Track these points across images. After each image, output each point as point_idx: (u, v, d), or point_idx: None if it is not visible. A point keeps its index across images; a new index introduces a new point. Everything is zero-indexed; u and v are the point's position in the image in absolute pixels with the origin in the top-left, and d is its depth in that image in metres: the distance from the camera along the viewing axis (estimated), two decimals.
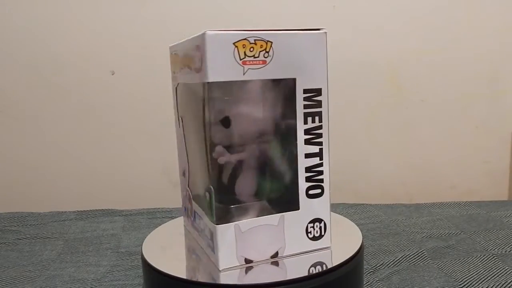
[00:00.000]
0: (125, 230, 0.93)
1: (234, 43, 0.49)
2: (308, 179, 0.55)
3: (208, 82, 0.49)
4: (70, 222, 0.98)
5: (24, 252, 0.83)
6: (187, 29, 1.11)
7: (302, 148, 0.54)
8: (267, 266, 0.54)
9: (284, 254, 0.55)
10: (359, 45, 1.18)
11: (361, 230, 0.64)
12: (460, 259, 0.75)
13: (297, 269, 0.53)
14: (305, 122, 0.54)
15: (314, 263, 0.54)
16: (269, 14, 1.15)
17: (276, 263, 0.54)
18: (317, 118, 0.54)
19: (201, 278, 0.52)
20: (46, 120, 1.16)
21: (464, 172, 1.25)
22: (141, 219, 0.99)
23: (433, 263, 0.73)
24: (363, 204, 1.06)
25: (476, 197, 1.23)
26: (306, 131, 0.54)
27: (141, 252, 0.60)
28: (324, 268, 0.52)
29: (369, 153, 1.23)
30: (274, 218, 0.54)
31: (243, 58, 0.50)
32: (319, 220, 0.56)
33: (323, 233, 0.57)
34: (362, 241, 0.60)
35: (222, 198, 0.53)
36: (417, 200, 1.21)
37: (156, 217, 1.00)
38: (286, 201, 0.55)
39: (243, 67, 0.50)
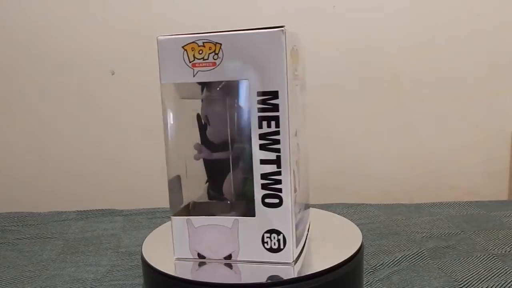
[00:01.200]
0: (125, 230, 0.93)
1: (183, 47, 0.51)
2: (263, 187, 0.52)
3: (161, 84, 0.53)
4: (70, 222, 0.98)
5: (24, 252, 0.83)
6: (187, 29, 1.11)
7: (257, 154, 0.51)
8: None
9: (239, 259, 0.54)
10: (359, 45, 1.18)
11: (361, 230, 0.64)
12: (460, 259, 0.75)
13: (249, 276, 0.53)
14: (260, 127, 0.51)
15: (269, 275, 0.51)
16: (269, 14, 1.15)
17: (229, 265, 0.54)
18: (273, 123, 0.50)
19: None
20: (46, 120, 1.16)
21: (464, 172, 1.25)
22: (141, 219, 0.99)
23: (433, 263, 0.73)
24: (363, 204, 1.06)
25: (476, 197, 1.23)
26: (261, 136, 0.51)
27: (141, 252, 0.60)
28: (277, 279, 0.51)
29: (369, 153, 1.23)
30: (228, 220, 0.54)
31: (192, 61, 0.51)
32: (277, 232, 0.53)
33: (281, 246, 0.52)
34: (362, 241, 0.60)
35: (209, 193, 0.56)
36: (417, 200, 1.21)
37: (156, 217, 1.00)
38: (246, 205, 0.54)
39: (193, 69, 0.51)
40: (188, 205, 0.60)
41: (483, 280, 0.67)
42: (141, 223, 0.96)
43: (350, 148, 1.22)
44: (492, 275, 0.69)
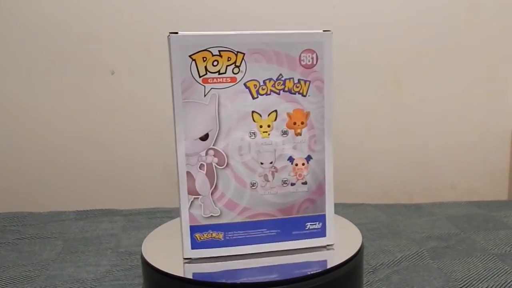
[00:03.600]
0: (125, 230, 0.93)
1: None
2: None
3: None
4: (70, 222, 0.98)
5: (24, 252, 0.83)
6: (188, 28, 1.11)
7: None
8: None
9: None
10: (359, 45, 1.18)
11: (361, 230, 0.64)
12: (460, 259, 0.75)
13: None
14: None
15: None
16: (269, 14, 1.15)
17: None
18: None
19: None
20: (46, 120, 1.16)
21: (464, 172, 1.25)
22: (141, 219, 0.99)
23: (433, 263, 0.73)
24: (363, 204, 1.06)
25: (476, 197, 1.23)
26: None
27: (141, 252, 0.60)
28: None
29: (369, 153, 1.23)
30: None
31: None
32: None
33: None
34: (362, 241, 0.60)
35: None
36: (417, 200, 1.21)
37: (156, 217, 1.00)
38: None
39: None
40: None
41: (483, 280, 0.67)
42: (141, 223, 0.96)
43: (350, 148, 1.22)
44: (492, 275, 0.68)
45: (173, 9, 1.13)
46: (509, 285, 0.65)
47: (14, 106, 1.15)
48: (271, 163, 0.55)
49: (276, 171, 0.55)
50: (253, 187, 0.55)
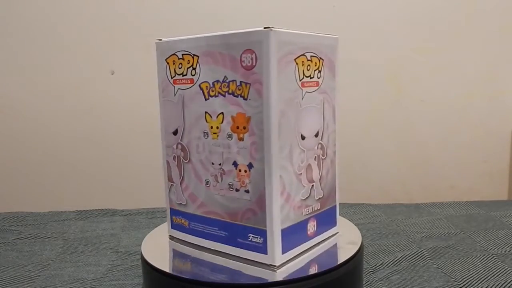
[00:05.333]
0: (124, 230, 0.93)
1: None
2: None
3: None
4: (70, 222, 0.98)
5: (24, 252, 0.83)
6: (188, 28, 1.11)
7: None
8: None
9: None
10: (359, 45, 1.18)
11: (360, 230, 0.64)
12: (459, 259, 0.75)
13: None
14: None
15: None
16: (269, 14, 1.15)
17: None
18: None
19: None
20: (46, 120, 1.16)
21: (464, 172, 1.25)
22: (141, 219, 0.99)
23: (433, 263, 0.73)
24: (363, 204, 1.06)
25: (476, 196, 1.23)
26: None
27: (141, 251, 0.60)
28: None
29: (369, 153, 1.23)
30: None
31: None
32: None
33: None
34: (362, 241, 0.60)
35: None
36: (416, 200, 1.21)
37: (156, 217, 1.00)
38: None
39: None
40: None
41: (482, 280, 0.67)
42: (140, 223, 0.96)
43: (350, 148, 1.22)
44: (492, 275, 0.68)
45: (173, 8, 1.13)
46: (509, 285, 0.65)
47: (14, 105, 1.15)
48: (219, 164, 0.55)
49: (224, 174, 0.55)
50: (207, 185, 0.57)
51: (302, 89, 0.54)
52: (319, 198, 0.58)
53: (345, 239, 0.61)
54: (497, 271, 0.70)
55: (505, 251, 0.77)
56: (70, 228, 0.94)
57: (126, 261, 0.78)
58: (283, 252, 0.53)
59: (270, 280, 0.51)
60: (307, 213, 0.56)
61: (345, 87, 1.20)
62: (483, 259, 0.74)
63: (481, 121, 1.23)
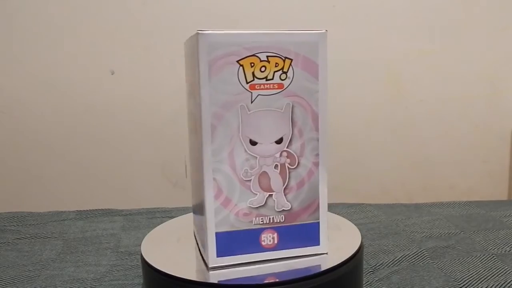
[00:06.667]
0: (124, 230, 0.93)
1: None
2: None
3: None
4: (70, 222, 0.98)
5: (24, 252, 0.83)
6: (188, 28, 1.11)
7: None
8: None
9: None
10: (358, 44, 1.18)
11: (360, 230, 0.64)
12: (459, 259, 0.75)
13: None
14: None
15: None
16: (269, 14, 1.15)
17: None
18: None
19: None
20: (46, 120, 1.16)
21: (464, 172, 1.25)
22: (141, 219, 0.99)
23: (433, 263, 0.73)
24: (362, 204, 1.06)
25: (476, 196, 1.23)
26: None
27: (141, 251, 0.60)
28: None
29: (369, 153, 1.23)
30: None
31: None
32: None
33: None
34: (362, 241, 0.60)
35: None
36: (416, 200, 1.21)
37: (156, 217, 1.00)
38: None
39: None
40: None
41: (483, 280, 0.67)
42: (140, 223, 0.96)
43: (350, 147, 1.22)
44: (492, 275, 0.68)
45: (173, 8, 1.13)
46: (509, 285, 0.65)
47: (14, 105, 1.15)
48: None
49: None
50: None
51: (251, 92, 0.51)
52: (283, 210, 0.54)
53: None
54: (497, 271, 0.70)
55: (505, 251, 0.77)
56: (70, 228, 0.94)
57: (126, 261, 0.78)
58: (219, 255, 0.53)
59: (198, 280, 0.52)
60: (260, 222, 0.53)
61: (345, 87, 1.20)
62: (483, 259, 0.74)
63: (481, 121, 1.23)
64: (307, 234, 0.55)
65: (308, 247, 0.56)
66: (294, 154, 0.53)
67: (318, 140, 0.54)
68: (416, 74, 1.20)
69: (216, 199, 0.52)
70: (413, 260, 0.75)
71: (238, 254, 0.54)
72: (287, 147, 0.53)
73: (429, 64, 1.20)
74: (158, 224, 0.72)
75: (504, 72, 1.22)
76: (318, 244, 0.56)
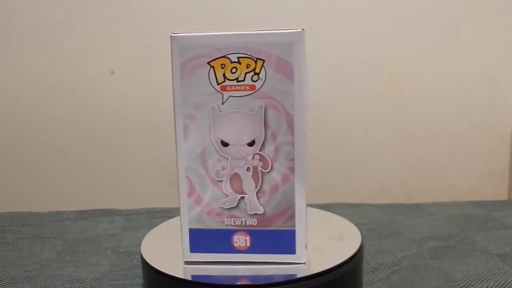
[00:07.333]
0: (124, 230, 0.93)
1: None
2: None
3: None
4: (70, 222, 0.98)
5: (24, 252, 0.82)
6: (188, 29, 1.11)
7: None
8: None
9: None
10: (358, 44, 1.18)
11: (360, 230, 0.64)
12: (460, 259, 0.75)
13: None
14: None
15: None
16: (269, 14, 1.15)
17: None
18: None
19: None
20: (46, 120, 1.16)
21: (464, 172, 1.25)
22: (141, 219, 0.99)
23: (433, 263, 0.73)
24: (362, 204, 1.06)
25: (476, 196, 1.23)
26: None
27: (140, 251, 0.60)
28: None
29: (368, 153, 1.23)
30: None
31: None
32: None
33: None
34: (362, 241, 0.60)
35: None
36: (416, 200, 1.21)
37: (156, 216, 1.00)
38: None
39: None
40: None
41: (483, 280, 0.67)
42: (140, 223, 0.96)
43: (349, 147, 1.22)
44: (492, 275, 0.68)
45: (173, 8, 1.13)
46: (509, 285, 0.65)
47: (14, 105, 1.15)
48: None
49: None
50: None
51: (222, 93, 0.51)
52: (256, 213, 0.53)
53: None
54: (497, 271, 0.70)
55: (505, 251, 0.77)
56: (70, 228, 0.94)
57: (126, 261, 0.78)
58: (192, 251, 0.55)
59: (171, 274, 0.53)
60: (232, 224, 0.53)
61: (345, 87, 1.20)
62: (483, 259, 0.74)
63: (481, 121, 1.23)
64: (281, 241, 0.54)
65: (283, 255, 0.54)
66: (267, 158, 0.52)
67: (293, 144, 0.52)
68: (416, 74, 1.20)
69: (189, 197, 0.53)
70: (413, 260, 0.75)
71: (211, 252, 0.54)
72: (259, 150, 0.52)
73: (429, 64, 1.20)
74: (158, 224, 0.72)
75: (504, 72, 1.22)
76: (294, 253, 0.54)
